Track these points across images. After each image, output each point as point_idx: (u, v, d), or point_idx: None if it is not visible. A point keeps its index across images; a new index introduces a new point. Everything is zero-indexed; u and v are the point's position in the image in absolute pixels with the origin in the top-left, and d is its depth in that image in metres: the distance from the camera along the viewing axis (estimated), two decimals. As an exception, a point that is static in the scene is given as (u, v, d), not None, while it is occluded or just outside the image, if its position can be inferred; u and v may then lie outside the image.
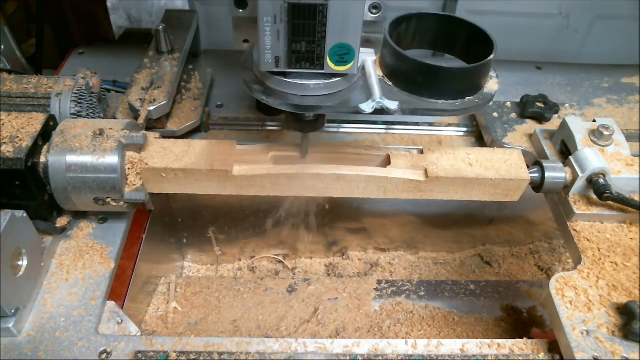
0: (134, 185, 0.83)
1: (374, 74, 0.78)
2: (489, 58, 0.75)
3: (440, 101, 0.77)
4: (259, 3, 0.64)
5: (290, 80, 0.73)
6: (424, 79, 0.76)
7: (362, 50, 0.77)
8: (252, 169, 0.86)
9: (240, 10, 0.74)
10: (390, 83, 0.79)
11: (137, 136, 0.83)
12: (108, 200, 0.81)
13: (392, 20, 0.79)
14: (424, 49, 0.86)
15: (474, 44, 0.81)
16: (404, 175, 0.87)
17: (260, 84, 0.76)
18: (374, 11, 0.77)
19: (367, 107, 0.74)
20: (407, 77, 0.77)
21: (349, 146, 0.94)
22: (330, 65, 0.70)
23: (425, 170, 0.87)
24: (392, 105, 0.74)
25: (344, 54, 0.69)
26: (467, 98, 0.78)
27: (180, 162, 0.85)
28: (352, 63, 0.70)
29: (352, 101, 0.75)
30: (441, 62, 0.74)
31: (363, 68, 0.80)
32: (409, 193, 0.89)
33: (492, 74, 0.82)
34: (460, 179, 0.87)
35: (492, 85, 0.81)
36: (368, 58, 0.80)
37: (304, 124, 0.82)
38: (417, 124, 1.15)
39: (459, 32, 0.82)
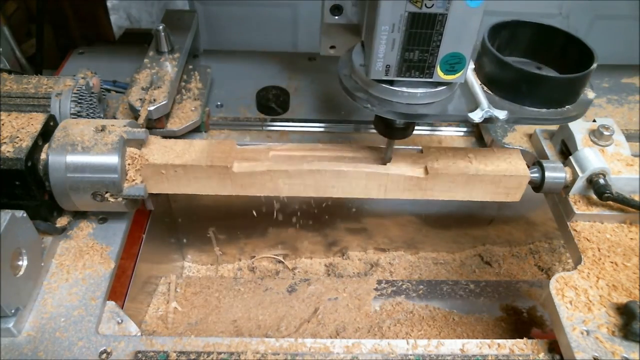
0: (133, 180, 0.83)
1: (475, 82, 0.78)
2: (591, 67, 0.76)
3: (541, 110, 0.77)
4: (378, 11, 0.64)
5: (397, 89, 0.73)
6: (527, 87, 0.76)
7: None
8: (252, 165, 0.86)
9: (336, 17, 0.74)
10: (489, 91, 0.79)
11: (138, 131, 0.83)
12: (107, 195, 0.81)
13: (490, 26, 0.80)
14: (517, 57, 0.86)
15: (569, 53, 0.82)
16: (404, 172, 0.87)
17: (363, 91, 0.75)
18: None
19: (476, 116, 0.74)
20: (509, 85, 0.77)
21: (349, 146, 0.94)
22: (440, 74, 0.70)
23: (426, 167, 0.87)
24: (501, 114, 0.74)
25: (455, 63, 0.69)
26: (567, 107, 0.79)
27: (180, 159, 0.85)
28: (461, 72, 0.70)
29: (452, 109, 0.75)
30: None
31: None
32: (410, 192, 0.89)
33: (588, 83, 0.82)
34: (460, 176, 0.86)
35: (588, 93, 0.81)
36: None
37: (393, 130, 0.82)
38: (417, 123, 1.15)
39: (554, 41, 0.83)
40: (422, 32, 0.66)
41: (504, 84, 0.78)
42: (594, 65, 0.77)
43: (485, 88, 0.80)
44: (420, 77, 0.71)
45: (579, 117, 0.80)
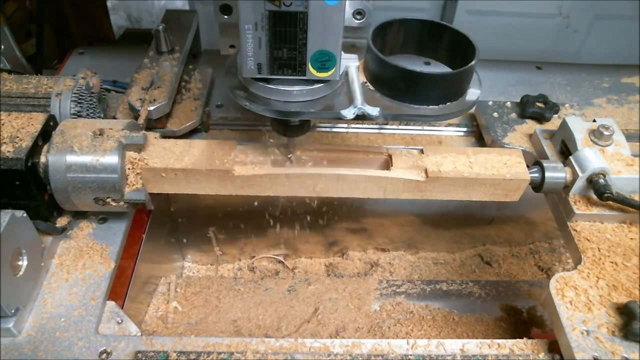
0: (133, 185, 0.83)
1: (357, 79, 0.79)
2: (470, 64, 0.75)
3: (422, 107, 0.77)
4: (239, 10, 0.65)
5: (273, 87, 0.74)
6: (405, 84, 0.76)
7: (345, 55, 0.79)
8: (252, 169, 0.86)
9: (225, 17, 0.75)
10: (373, 88, 0.80)
11: (137, 136, 0.83)
12: (108, 200, 0.82)
13: (375, 26, 0.80)
14: (409, 54, 0.86)
15: (457, 49, 0.81)
16: (404, 175, 0.87)
17: (243, 89, 0.76)
18: (358, 17, 0.77)
19: (349, 112, 0.74)
20: (389, 83, 0.78)
21: (349, 146, 0.94)
22: (312, 72, 0.71)
23: (426, 170, 0.87)
24: (374, 111, 0.75)
25: (325, 61, 0.70)
26: (449, 103, 0.78)
27: (180, 162, 0.85)
28: (333, 69, 0.71)
29: (335, 107, 0.76)
30: (433, 68, 0.75)
31: (346, 74, 0.80)
32: (409, 193, 0.89)
33: (475, 79, 0.82)
34: (460, 179, 0.87)
35: (474, 90, 0.81)
36: (351, 64, 0.80)
37: (289, 128, 0.83)
38: (418, 123, 1.15)
39: (442, 37, 0.83)
40: (287, 30, 0.67)
41: (384, 82, 0.78)
42: (473, 62, 0.76)
43: (370, 86, 0.80)
44: (293, 75, 0.72)
45: (461, 114, 0.80)
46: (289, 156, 0.88)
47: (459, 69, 0.76)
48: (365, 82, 0.81)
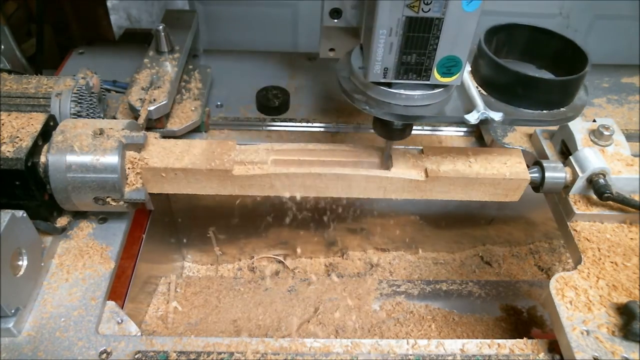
0: (133, 184, 0.83)
1: (472, 84, 0.79)
2: (584, 70, 0.76)
3: (536, 111, 0.78)
4: (376, 16, 0.64)
5: (394, 91, 0.73)
6: (522, 89, 0.76)
7: None
8: (252, 168, 0.86)
9: (335, 20, 0.75)
10: (486, 93, 0.80)
11: (137, 136, 0.83)
12: (108, 199, 0.81)
13: (487, 29, 0.80)
14: (514, 59, 0.87)
15: (564, 56, 0.82)
16: (404, 175, 0.87)
17: (361, 93, 0.76)
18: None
19: (472, 117, 0.75)
20: (505, 88, 0.78)
21: (349, 146, 0.94)
22: (437, 77, 0.71)
23: (425, 170, 0.87)
24: (497, 116, 0.75)
25: (452, 66, 0.70)
26: (561, 108, 0.79)
27: (180, 162, 0.85)
28: (458, 74, 0.71)
29: (449, 111, 0.76)
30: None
31: None
32: (409, 193, 0.89)
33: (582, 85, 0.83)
34: (460, 179, 0.87)
35: (582, 95, 0.82)
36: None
37: (392, 132, 0.82)
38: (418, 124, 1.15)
39: (549, 43, 0.83)
40: (420, 36, 0.66)
41: (500, 86, 0.79)
42: (587, 68, 0.77)
43: (482, 90, 0.80)
44: (417, 80, 0.72)
45: (573, 119, 0.81)
46: (387, 161, 0.88)
47: (575, 76, 0.77)
48: (477, 87, 0.80)
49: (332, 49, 0.82)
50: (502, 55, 0.85)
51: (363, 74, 0.73)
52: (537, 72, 0.84)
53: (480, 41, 0.79)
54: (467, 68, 0.81)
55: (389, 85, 0.73)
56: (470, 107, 0.77)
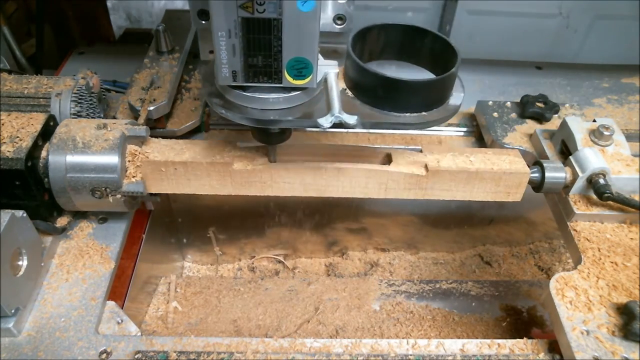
0: (133, 177, 0.83)
1: (335, 86, 0.77)
2: (451, 71, 0.73)
3: (402, 114, 0.75)
4: (211, 17, 0.63)
5: (249, 94, 0.72)
6: (385, 92, 0.74)
7: (324, 62, 0.77)
8: (252, 163, 0.86)
9: (203, 22, 0.74)
10: (353, 96, 0.78)
11: (139, 128, 0.83)
12: (106, 191, 0.81)
13: (355, 31, 0.78)
14: (391, 59, 0.84)
15: (439, 55, 0.79)
16: (404, 169, 0.87)
17: (220, 97, 0.75)
18: (339, 22, 0.76)
19: (326, 121, 0.72)
20: (368, 90, 0.75)
21: (348, 146, 0.94)
22: (289, 79, 0.70)
23: (426, 165, 0.87)
24: (351, 119, 0.73)
25: (302, 68, 0.69)
26: (431, 111, 0.76)
27: (180, 157, 0.85)
28: (310, 77, 0.70)
29: (315, 114, 0.74)
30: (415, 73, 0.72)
31: (325, 80, 0.78)
32: (410, 191, 0.89)
33: (458, 83, 0.79)
34: (461, 173, 0.86)
35: (457, 94, 0.79)
36: (331, 70, 0.78)
37: (269, 136, 0.81)
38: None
39: (423, 43, 0.80)
40: (261, 37, 0.65)
41: (364, 89, 0.76)
42: (454, 69, 0.73)
43: (350, 93, 0.78)
44: (269, 83, 0.70)
45: (442, 122, 0.77)
46: (270, 160, 0.86)
47: (440, 76, 0.74)
48: (345, 89, 0.78)
49: (211, 51, 0.80)
50: (379, 56, 0.82)
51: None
52: (418, 72, 0.80)
53: (348, 43, 0.76)
54: (335, 70, 0.78)
55: (245, 88, 0.72)
56: (331, 111, 0.74)
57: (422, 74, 0.79)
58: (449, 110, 0.77)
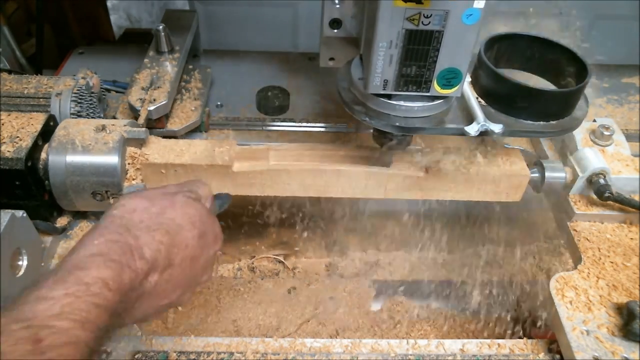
0: (133, 180, 0.83)
1: (472, 95, 0.79)
2: (584, 82, 0.76)
3: (536, 122, 0.77)
4: (376, 28, 0.64)
5: (394, 102, 0.73)
6: (522, 101, 0.76)
7: None
8: (252, 165, 0.86)
9: (335, 31, 0.74)
10: (485, 104, 0.79)
11: (138, 131, 0.83)
12: (107, 194, 0.81)
13: (487, 39, 0.80)
14: (515, 69, 0.86)
15: (564, 66, 0.82)
16: (404, 171, 0.87)
17: (361, 104, 0.76)
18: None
19: (473, 129, 0.74)
20: (504, 99, 0.77)
21: (349, 146, 0.94)
22: (436, 89, 0.71)
23: (426, 166, 0.87)
24: (497, 128, 0.74)
25: (452, 78, 0.70)
26: (561, 119, 0.79)
27: (180, 158, 0.85)
28: (458, 86, 0.71)
29: (447, 122, 0.76)
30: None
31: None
32: (410, 192, 0.89)
33: (582, 96, 0.82)
34: (460, 176, 0.87)
35: (582, 105, 0.81)
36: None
37: (391, 142, 0.82)
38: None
39: (550, 54, 0.83)
40: (419, 48, 0.66)
41: (500, 97, 0.78)
42: (587, 79, 0.76)
43: (481, 101, 0.79)
44: (417, 91, 0.71)
45: (573, 130, 0.80)
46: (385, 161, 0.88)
47: (576, 87, 0.76)
48: (477, 97, 0.80)
49: (332, 59, 0.82)
50: (503, 65, 0.84)
51: (363, 85, 0.73)
52: (538, 82, 0.84)
53: (480, 51, 0.78)
54: (467, 79, 0.80)
55: (389, 96, 0.73)
56: (470, 118, 0.76)
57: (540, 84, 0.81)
58: (577, 119, 0.79)
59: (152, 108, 0.95)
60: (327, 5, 0.75)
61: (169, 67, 1.06)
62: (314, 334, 1.14)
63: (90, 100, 0.95)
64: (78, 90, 0.92)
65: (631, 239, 0.84)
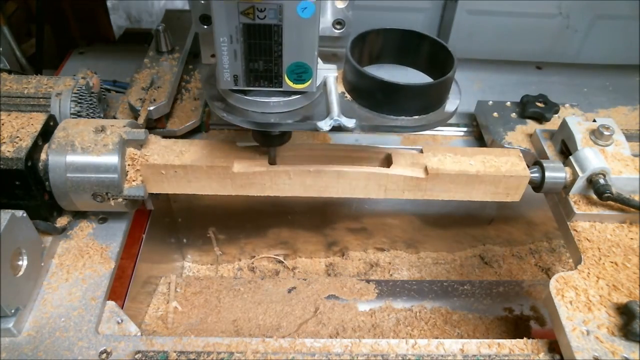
0: (133, 181, 0.83)
1: (334, 90, 0.78)
2: (448, 75, 0.74)
3: (399, 118, 0.76)
4: (214, 23, 0.65)
5: (250, 98, 0.74)
6: (383, 95, 0.75)
7: (323, 66, 0.79)
8: (252, 166, 0.86)
9: (205, 27, 0.75)
10: (351, 99, 0.79)
11: (138, 132, 0.83)
12: (107, 195, 0.81)
13: (354, 36, 0.79)
14: (390, 63, 0.85)
15: (436, 59, 0.80)
16: (404, 172, 0.87)
17: (221, 100, 0.76)
18: (338, 27, 0.77)
19: (325, 124, 0.74)
20: (366, 94, 0.77)
21: (348, 146, 0.94)
22: (289, 83, 0.71)
23: (426, 167, 0.87)
24: (350, 123, 0.74)
25: (302, 72, 0.70)
26: (428, 114, 0.77)
27: (180, 160, 0.85)
28: (310, 81, 0.71)
29: (314, 117, 0.75)
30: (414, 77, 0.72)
31: (325, 84, 0.79)
32: (410, 192, 0.89)
33: (455, 89, 0.80)
34: (460, 176, 0.87)
35: (454, 100, 0.80)
36: (330, 74, 0.80)
37: (269, 138, 0.82)
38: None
39: (421, 47, 0.81)
40: (262, 43, 0.67)
41: (362, 93, 0.77)
42: (451, 73, 0.74)
43: (348, 96, 0.79)
44: (269, 87, 0.72)
45: (438, 126, 0.78)
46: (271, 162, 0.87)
47: (437, 80, 0.75)
48: (344, 93, 0.80)
49: (213, 55, 0.81)
50: (377, 60, 0.83)
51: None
52: (416, 76, 0.81)
53: (347, 47, 0.77)
54: (334, 74, 0.80)
55: (246, 92, 0.73)
56: (330, 114, 0.75)
57: (420, 78, 0.79)
58: (445, 114, 0.78)
59: (152, 108, 0.96)
60: (193, 2, 0.75)
61: (169, 67, 1.06)
62: (314, 334, 1.14)
63: (90, 100, 0.95)
64: (78, 90, 0.92)
65: (631, 239, 0.85)
